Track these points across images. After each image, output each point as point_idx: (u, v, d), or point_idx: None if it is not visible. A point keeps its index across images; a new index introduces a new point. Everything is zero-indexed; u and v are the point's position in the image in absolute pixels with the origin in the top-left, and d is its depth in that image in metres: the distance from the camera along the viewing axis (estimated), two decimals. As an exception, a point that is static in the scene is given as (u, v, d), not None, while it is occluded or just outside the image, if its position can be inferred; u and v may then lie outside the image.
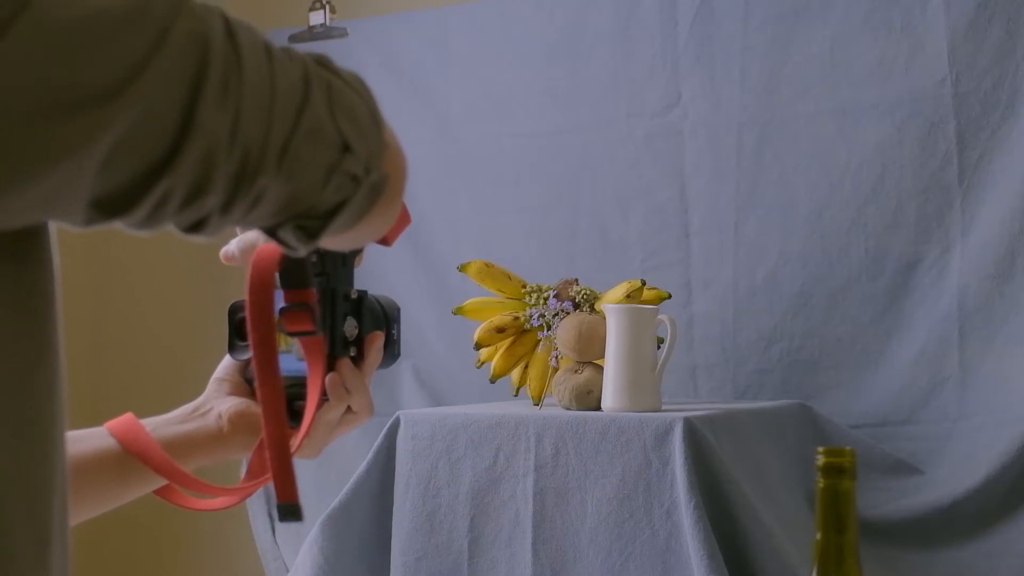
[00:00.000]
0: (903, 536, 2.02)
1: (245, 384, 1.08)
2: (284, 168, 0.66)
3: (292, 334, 0.94)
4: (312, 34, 2.66)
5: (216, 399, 1.08)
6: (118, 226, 0.65)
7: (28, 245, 0.66)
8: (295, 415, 1.02)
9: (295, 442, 0.97)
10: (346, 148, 0.69)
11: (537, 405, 2.06)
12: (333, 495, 2.06)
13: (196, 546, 2.90)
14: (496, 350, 2.12)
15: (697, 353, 2.28)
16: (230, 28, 0.64)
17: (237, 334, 1.02)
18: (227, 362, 1.10)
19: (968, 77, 2.09)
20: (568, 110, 2.44)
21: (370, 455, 2.00)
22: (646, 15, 2.36)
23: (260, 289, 0.86)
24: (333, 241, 0.77)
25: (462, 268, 2.17)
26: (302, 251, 0.74)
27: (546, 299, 2.07)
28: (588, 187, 2.41)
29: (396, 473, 1.95)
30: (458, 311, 2.18)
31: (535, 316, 2.06)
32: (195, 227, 0.67)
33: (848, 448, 0.92)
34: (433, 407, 2.32)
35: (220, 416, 1.06)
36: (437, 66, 2.57)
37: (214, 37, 0.62)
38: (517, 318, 2.09)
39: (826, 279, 2.19)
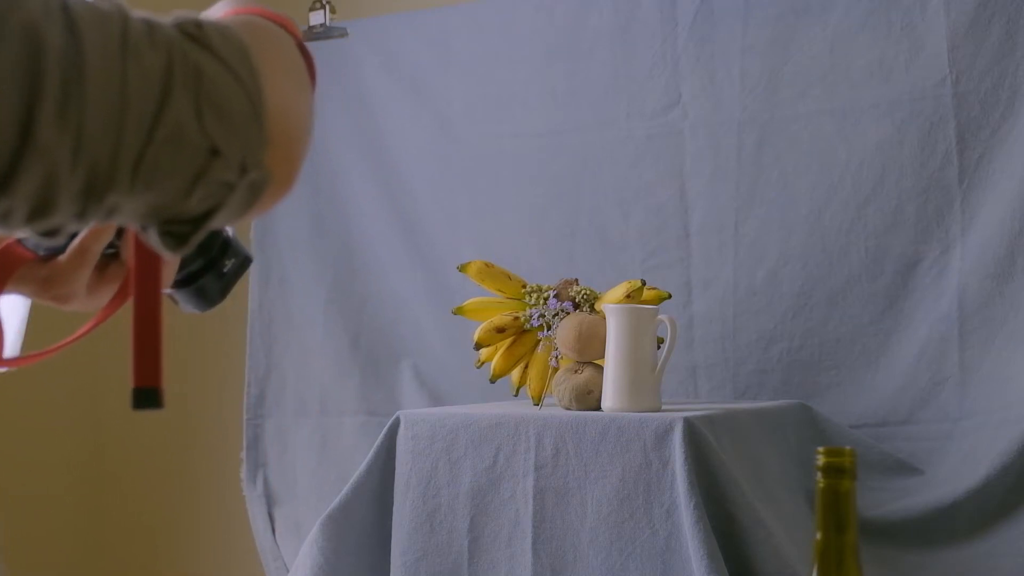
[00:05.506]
0: (903, 536, 2.01)
1: None
2: (139, 182, 0.58)
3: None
4: (312, 34, 2.66)
5: None
6: None
7: None
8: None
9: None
10: (214, 152, 0.60)
11: (537, 405, 2.06)
12: (333, 495, 2.06)
13: (196, 546, 2.90)
14: (496, 350, 2.12)
15: (697, 353, 2.28)
16: (71, 19, 0.55)
17: None
18: None
19: (968, 77, 2.08)
20: (568, 110, 2.44)
21: (370, 455, 2.01)
22: (646, 15, 2.36)
23: None
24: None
25: (462, 268, 2.17)
26: (171, 257, 0.66)
27: (546, 299, 2.07)
28: (588, 187, 2.41)
29: (396, 473, 1.95)
30: (458, 311, 2.18)
31: (535, 316, 2.06)
32: (50, 234, 0.61)
33: (848, 448, 0.92)
34: (433, 407, 2.32)
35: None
36: (437, 66, 2.57)
37: (48, 36, 0.54)
38: (517, 318, 2.09)
39: (826, 279, 2.19)
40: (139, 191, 0.59)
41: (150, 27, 0.59)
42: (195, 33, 0.61)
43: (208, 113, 0.60)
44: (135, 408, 0.69)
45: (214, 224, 0.64)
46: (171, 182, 0.59)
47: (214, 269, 0.85)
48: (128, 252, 0.77)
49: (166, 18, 0.61)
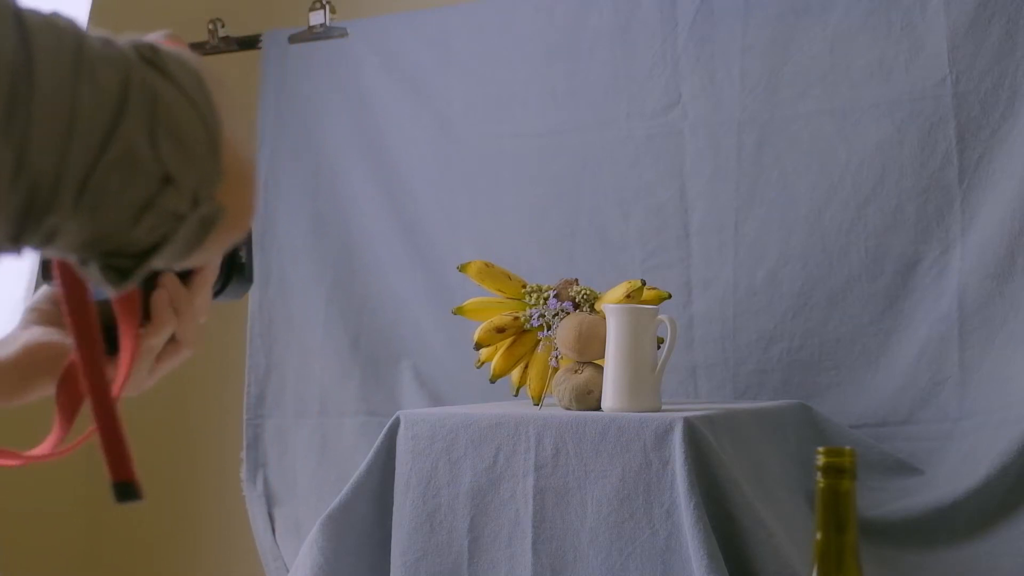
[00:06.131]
0: (903, 536, 2.01)
1: (58, 313, 0.89)
2: (83, 206, 0.55)
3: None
4: (312, 34, 2.66)
5: (24, 329, 0.92)
6: None
7: None
8: (111, 342, 0.84)
9: (117, 381, 0.81)
10: (167, 180, 0.57)
11: (537, 405, 2.06)
12: (333, 495, 2.06)
13: (196, 546, 2.90)
14: (496, 350, 2.12)
15: (697, 353, 2.28)
16: (23, 29, 0.52)
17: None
18: (42, 291, 0.95)
19: (968, 77, 2.09)
20: (568, 110, 2.44)
21: (370, 455, 2.01)
22: (646, 15, 2.36)
23: None
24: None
25: (462, 268, 2.17)
26: (111, 293, 0.61)
27: (546, 299, 2.07)
28: (588, 187, 2.41)
29: (396, 473, 1.95)
30: (458, 311, 2.18)
31: (535, 316, 2.06)
32: None
33: (848, 448, 0.92)
34: (433, 407, 2.32)
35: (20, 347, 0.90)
36: (437, 66, 2.57)
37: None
38: (517, 318, 2.09)
39: (826, 279, 2.19)
40: (83, 215, 0.55)
41: (106, 45, 0.56)
42: (151, 57, 0.58)
43: (163, 139, 0.57)
44: (118, 502, 0.67)
45: (159, 260, 0.60)
46: (118, 208, 0.56)
47: (234, 263, 0.87)
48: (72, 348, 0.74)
49: (122, 39, 0.58)
